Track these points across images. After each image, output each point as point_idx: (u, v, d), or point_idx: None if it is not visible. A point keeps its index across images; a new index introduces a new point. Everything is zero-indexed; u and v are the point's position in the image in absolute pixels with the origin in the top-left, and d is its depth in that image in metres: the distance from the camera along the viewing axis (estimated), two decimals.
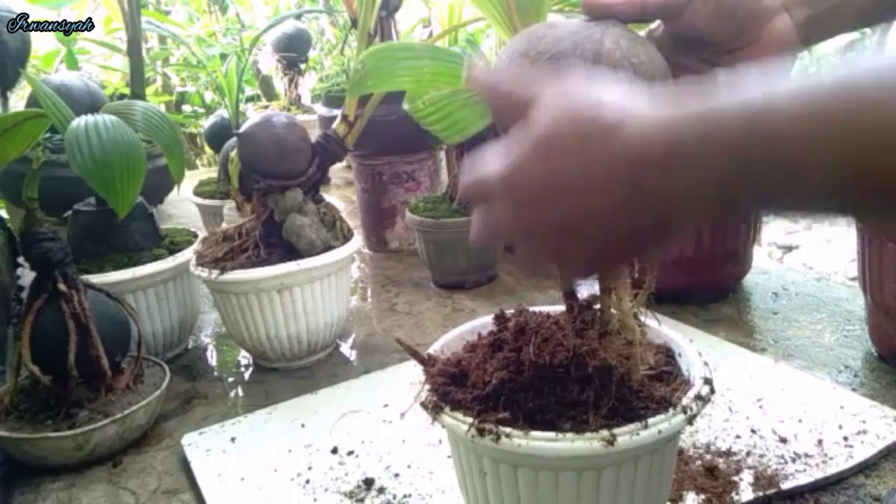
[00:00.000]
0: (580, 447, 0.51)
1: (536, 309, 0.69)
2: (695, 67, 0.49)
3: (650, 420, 0.52)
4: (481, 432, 0.53)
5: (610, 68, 0.45)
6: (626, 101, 0.33)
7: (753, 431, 0.79)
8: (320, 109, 1.70)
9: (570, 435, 0.51)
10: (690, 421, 0.55)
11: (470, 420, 0.55)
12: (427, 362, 0.62)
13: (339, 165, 1.45)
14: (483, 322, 0.70)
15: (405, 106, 0.77)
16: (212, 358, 1.17)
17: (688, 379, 0.60)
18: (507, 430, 0.53)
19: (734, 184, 0.30)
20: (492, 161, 0.37)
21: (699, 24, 0.47)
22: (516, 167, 0.36)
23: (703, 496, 0.69)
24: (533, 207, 0.36)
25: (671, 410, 0.54)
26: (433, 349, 0.66)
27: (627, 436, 0.51)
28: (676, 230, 0.34)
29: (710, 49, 0.49)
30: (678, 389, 0.57)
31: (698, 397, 0.55)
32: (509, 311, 0.69)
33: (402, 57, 0.69)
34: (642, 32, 0.52)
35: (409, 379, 0.63)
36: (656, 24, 0.52)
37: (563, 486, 0.54)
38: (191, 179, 1.84)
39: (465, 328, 0.69)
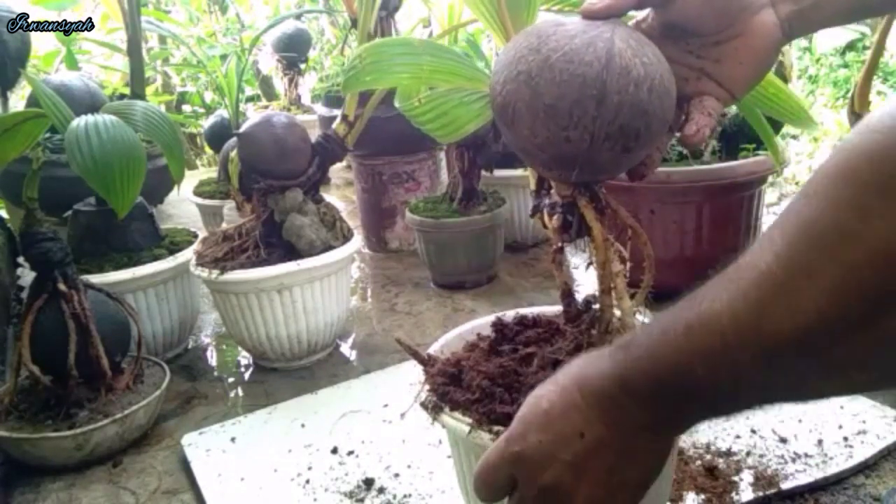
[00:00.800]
0: None
1: (536, 310, 0.69)
2: (680, 59, 0.50)
3: None
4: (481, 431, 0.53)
5: (622, 67, 0.46)
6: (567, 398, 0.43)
7: (753, 431, 0.79)
8: (320, 109, 1.70)
9: None
10: None
11: (469, 420, 0.55)
12: (427, 363, 0.62)
13: (339, 165, 1.45)
14: (483, 322, 0.70)
15: (396, 104, 0.76)
16: (212, 358, 1.17)
17: None
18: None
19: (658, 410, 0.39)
20: None
21: (691, 12, 0.48)
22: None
23: (703, 496, 0.69)
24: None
25: None
26: (433, 349, 0.66)
27: None
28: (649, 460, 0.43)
29: (696, 40, 0.50)
30: None
31: None
32: (509, 314, 0.69)
33: (401, 52, 0.68)
34: (630, 22, 0.52)
35: (408, 379, 0.63)
36: (644, 13, 0.52)
37: None
38: (191, 179, 1.84)
39: (464, 328, 0.69)
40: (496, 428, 0.54)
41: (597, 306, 0.59)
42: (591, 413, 0.41)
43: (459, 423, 0.55)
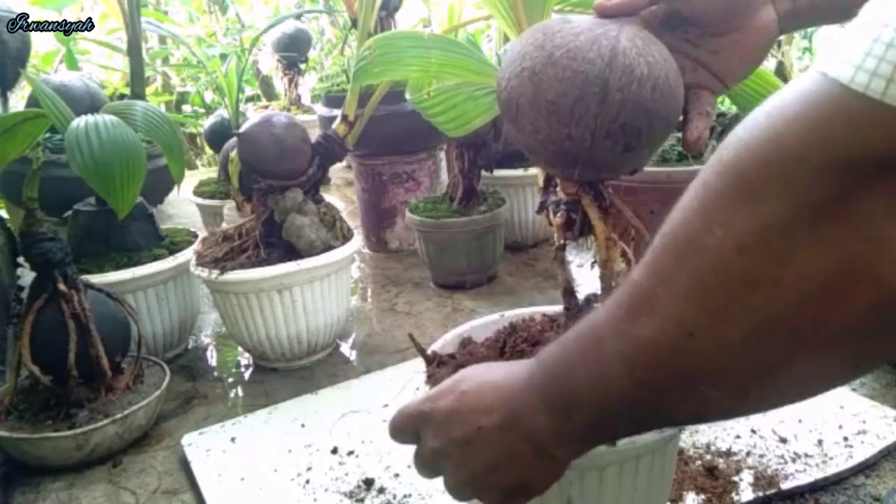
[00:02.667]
0: None
1: (538, 311, 0.69)
2: (678, 47, 0.51)
3: None
4: None
5: (625, 65, 0.46)
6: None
7: (753, 431, 0.79)
8: (320, 109, 1.70)
9: None
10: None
11: None
12: (431, 360, 0.62)
13: (339, 165, 1.45)
14: (483, 322, 0.70)
15: (408, 96, 0.76)
16: (212, 358, 1.17)
17: None
18: None
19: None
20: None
21: (696, 8, 0.49)
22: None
23: (703, 496, 0.69)
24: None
25: None
26: (433, 349, 0.66)
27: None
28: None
29: (696, 30, 0.51)
30: None
31: None
32: (510, 314, 0.70)
33: (411, 45, 0.68)
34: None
35: (409, 379, 0.63)
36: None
37: (565, 486, 0.54)
38: (191, 179, 1.84)
39: (463, 328, 0.70)
40: None
41: (598, 305, 0.59)
42: (495, 410, 0.43)
43: None
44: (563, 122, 0.47)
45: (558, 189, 0.60)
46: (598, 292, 0.59)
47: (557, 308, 0.69)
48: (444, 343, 0.68)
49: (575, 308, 0.61)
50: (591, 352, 0.37)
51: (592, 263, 0.59)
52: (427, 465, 0.48)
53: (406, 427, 0.48)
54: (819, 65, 0.28)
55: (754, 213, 0.30)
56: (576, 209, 0.57)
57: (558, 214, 0.58)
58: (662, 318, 0.33)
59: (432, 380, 0.60)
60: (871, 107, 0.26)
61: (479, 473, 0.44)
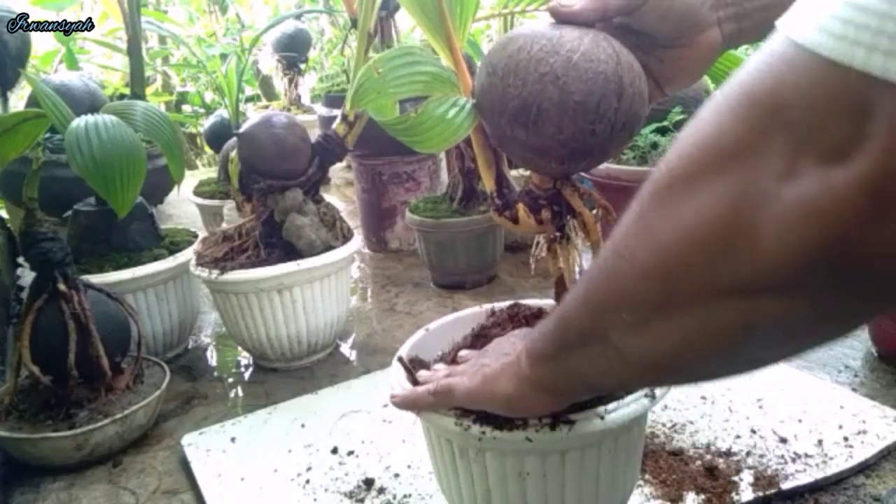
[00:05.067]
0: (533, 435, 0.53)
1: (532, 302, 0.71)
2: (630, 52, 0.55)
3: (608, 406, 0.54)
4: (455, 423, 0.55)
5: (627, 62, 0.52)
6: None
7: (753, 431, 0.79)
8: (320, 109, 1.70)
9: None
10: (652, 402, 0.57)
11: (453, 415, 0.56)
12: (414, 373, 0.63)
13: (339, 165, 1.45)
14: (465, 314, 0.73)
15: (378, 118, 0.74)
16: (212, 358, 1.17)
17: None
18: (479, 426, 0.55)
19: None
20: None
21: (649, 22, 0.54)
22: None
23: (703, 496, 0.69)
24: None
25: (627, 397, 0.55)
26: (406, 348, 0.68)
27: (586, 420, 0.53)
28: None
29: (647, 39, 0.55)
30: None
31: (651, 393, 0.57)
32: (499, 306, 0.71)
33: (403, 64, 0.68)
34: None
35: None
36: None
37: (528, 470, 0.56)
38: (191, 179, 1.84)
39: (440, 322, 0.73)
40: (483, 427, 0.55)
41: None
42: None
43: (444, 415, 0.56)
44: (589, 120, 0.51)
45: (511, 189, 0.63)
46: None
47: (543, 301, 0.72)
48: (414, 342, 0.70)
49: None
50: (573, 307, 0.43)
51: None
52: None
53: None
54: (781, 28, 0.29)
55: (678, 156, 0.32)
56: (558, 201, 0.61)
57: (542, 210, 0.61)
58: (611, 245, 0.37)
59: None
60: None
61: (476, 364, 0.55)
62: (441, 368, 0.62)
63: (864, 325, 0.32)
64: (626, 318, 0.36)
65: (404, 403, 0.58)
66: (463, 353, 0.64)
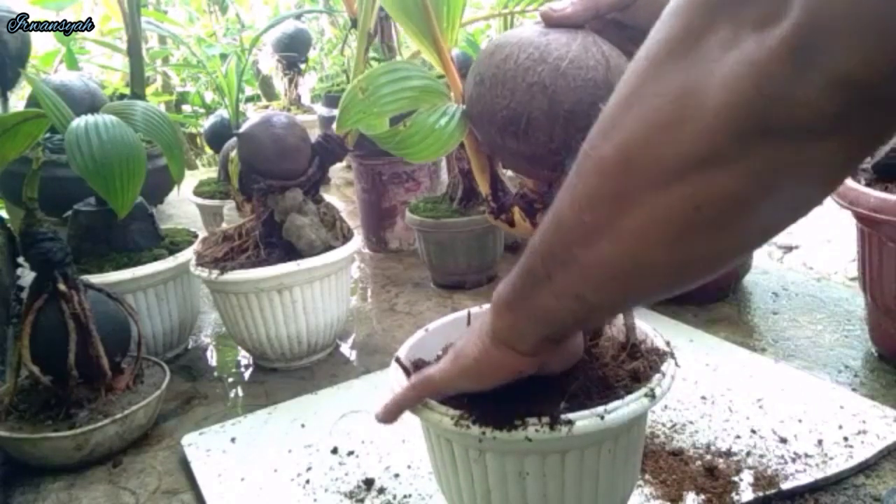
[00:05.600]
0: (533, 435, 0.53)
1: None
2: (620, 45, 0.56)
3: (608, 406, 0.54)
4: (455, 424, 0.55)
5: (617, 67, 0.52)
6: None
7: (753, 431, 0.79)
8: (320, 109, 1.70)
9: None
10: (652, 402, 0.56)
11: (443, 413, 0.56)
12: (410, 372, 0.64)
13: (339, 165, 1.45)
14: (464, 314, 0.72)
15: (368, 133, 0.74)
16: (212, 358, 1.17)
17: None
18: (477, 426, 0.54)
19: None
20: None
21: (641, 17, 0.53)
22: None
23: (703, 496, 0.69)
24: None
25: (627, 397, 0.55)
26: (405, 349, 0.68)
27: (585, 420, 0.53)
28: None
29: (640, 34, 0.55)
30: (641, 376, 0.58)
31: (651, 392, 0.56)
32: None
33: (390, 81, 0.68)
34: None
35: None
36: None
37: (528, 469, 0.56)
38: (191, 179, 1.84)
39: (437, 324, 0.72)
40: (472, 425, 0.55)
41: None
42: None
43: (437, 414, 0.57)
44: (580, 128, 0.51)
45: (522, 191, 0.63)
46: None
47: None
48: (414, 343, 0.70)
49: None
50: (543, 230, 0.43)
51: None
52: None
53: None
54: None
55: (643, 57, 0.35)
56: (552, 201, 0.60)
57: (538, 213, 0.61)
58: (579, 155, 0.39)
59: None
60: None
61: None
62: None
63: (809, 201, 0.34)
64: (588, 221, 0.37)
65: (388, 413, 0.58)
66: None
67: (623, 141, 0.35)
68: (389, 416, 0.58)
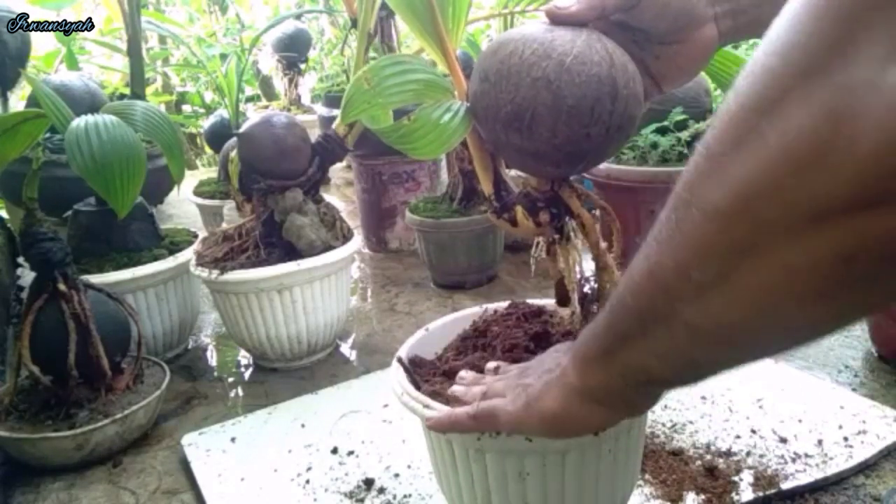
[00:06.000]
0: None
1: (533, 302, 0.72)
2: (625, 47, 0.55)
3: None
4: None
5: (621, 64, 0.52)
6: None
7: (753, 431, 0.79)
8: (320, 109, 1.70)
9: None
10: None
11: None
12: (416, 378, 0.64)
13: (339, 165, 1.45)
14: (464, 314, 0.73)
15: (372, 127, 0.75)
16: (212, 358, 1.17)
17: None
18: None
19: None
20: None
21: (645, 19, 0.53)
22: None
23: (703, 496, 0.69)
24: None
25: None
26: (405, 349, 0.68)
27: None
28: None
29: (643, 35, 0.55)
30: None
31: None
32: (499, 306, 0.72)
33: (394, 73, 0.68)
34: None
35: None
36: None
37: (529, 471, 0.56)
38: (191, 179, 1.84)
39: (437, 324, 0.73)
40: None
41: (593, 285, 0.62)
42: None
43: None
44: (583, 123, 0.51)
45: (509, 191, 0.63)
46: (590, 274, 0.62)
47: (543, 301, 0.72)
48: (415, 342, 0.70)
49: (565, 294, 0.63)
50: (638, 282, 0.38)
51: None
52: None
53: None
54: None
55: (751, 82, 0.29)
56: (556, 204, 0.61)
57: (540, 213, 0.61)
58: (669, 204, 0.34)
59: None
60: None
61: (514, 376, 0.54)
62: (468, 377, 0.59)
63: None
64: (698, 278, 0.32)
65: (441, 426, 0.55)
66: (491, 364, 0.61)
67: (741, 185, 0.28)
68: (440, 428, 0.56)
